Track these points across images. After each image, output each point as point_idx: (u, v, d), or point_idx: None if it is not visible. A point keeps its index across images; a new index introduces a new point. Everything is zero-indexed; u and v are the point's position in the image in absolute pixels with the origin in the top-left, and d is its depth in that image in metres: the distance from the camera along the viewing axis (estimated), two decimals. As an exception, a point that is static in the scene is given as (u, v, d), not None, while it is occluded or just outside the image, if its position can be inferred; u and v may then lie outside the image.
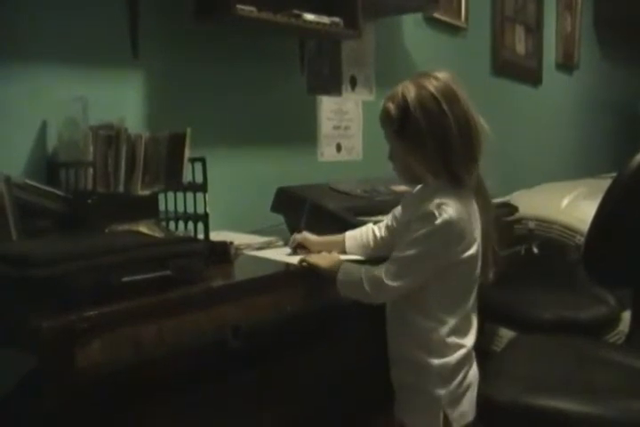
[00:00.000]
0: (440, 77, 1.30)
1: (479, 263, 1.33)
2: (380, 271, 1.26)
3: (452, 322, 1.29)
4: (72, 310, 1.00)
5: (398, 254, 1.26)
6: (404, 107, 1.26)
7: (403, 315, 1.32)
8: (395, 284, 1.25)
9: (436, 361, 1.28)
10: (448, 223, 1.22)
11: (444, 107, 1.26)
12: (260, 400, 1.48)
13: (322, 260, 1.39)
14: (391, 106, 1.28)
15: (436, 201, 1.23)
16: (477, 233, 1.30)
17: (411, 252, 1.24)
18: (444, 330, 1.28)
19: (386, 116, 1.30)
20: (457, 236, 1.24)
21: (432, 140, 1.25)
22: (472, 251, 1.28)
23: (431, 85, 1.27)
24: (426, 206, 1.24)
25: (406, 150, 1.29)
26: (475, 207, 1.31)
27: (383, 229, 1.51)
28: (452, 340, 1.29)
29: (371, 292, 1.27)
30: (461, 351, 1.31)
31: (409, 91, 1.27)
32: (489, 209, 1.36)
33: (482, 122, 1.34)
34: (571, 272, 2.40)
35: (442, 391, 1.28)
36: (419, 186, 1.39)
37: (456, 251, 1.26)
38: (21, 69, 1.47)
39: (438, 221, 1.21)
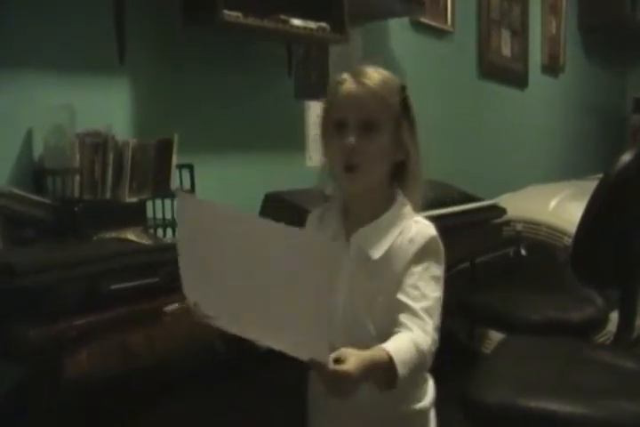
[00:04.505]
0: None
1: None
2: (423, 333, 0.98)
3: None
4: (60, 318, 1.00)
5: (427, 304, 1.00)
6: (401, 89, 1.08)
7: None
8: (437, 335, 1.01)
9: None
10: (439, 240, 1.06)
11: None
12: (247, 408, 1.48)
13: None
14: (385, 87, 1.06)
15: (415, 219, 1.07)
16: None
17: (436, 294, 1.02)
18: None
19: (381, 100, 1.05)
20: None
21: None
22: None
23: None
24: (421, 230, 1.05)
25: (396, 146, 1.07)
26: None
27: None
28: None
29: (429, 359, 1.00)
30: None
31: (389, 75, 1.09)
32: None
33: None
34: (559, 274, 2.41)
35: None
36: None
37: None
38: (6, 76, 1.46)
39: (440, 244, 1.05)
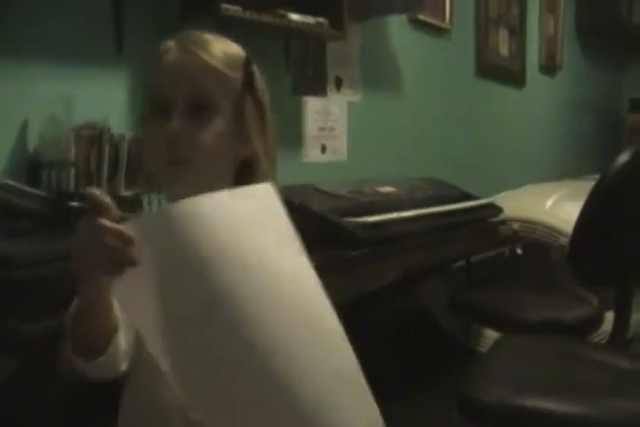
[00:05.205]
0: None
1: None
2: None
3: None
4: (55, 312, 0.98)
5: None
6: (245, 63, 0.88)
7: None
8: None
9: None
10: None
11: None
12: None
13: None
14: (223, 58, 0.85)
15: None
16: None
17: None
18: None
19: (216, 74, 0.84)
20: None
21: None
22: None
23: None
24: None
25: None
26: None
27: None
28: None
29: None
30: None
31: (229, 44, 0.90)
32: None
33: None
34: (554, 273, 2.41)
35: None
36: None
37: None
38: (3, 66, 1.45)
39: None
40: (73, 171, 1.38)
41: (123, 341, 0.75)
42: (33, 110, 1.45)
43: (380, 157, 2.61)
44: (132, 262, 0.61)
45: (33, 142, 1.47)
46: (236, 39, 2.19)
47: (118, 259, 0.61)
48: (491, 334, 2.36)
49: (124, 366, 0.78)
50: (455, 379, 1.50)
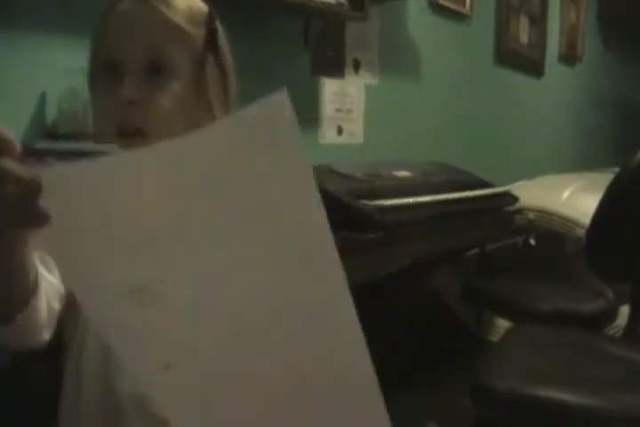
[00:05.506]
0: None
1: None
2: None
3: None
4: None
5: None
6: (208, 19, 0.78)
7: None
8: None
9: None
10: None
11: None
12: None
13: None
14: (184, 12, 0.75)
15: None
16: None
17: None
18: None
19: (176, 30, 0.74)
20: None
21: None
22: None
23: None
24: None
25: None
26: None
27: None
28: None
29: None
30: None
31: None
32: None
33: None
34: (568, 264, 2.39)
35: None
36: None
37: None
38: (21, 39, 1.42)
39: None
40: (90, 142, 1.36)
41: (43, 306, 0.63)
42: (51, 82, 1.42)
43: (396, 141, 2.58)
44: (39, 216, 0.46)
45: (51, 115, 1.45)
46: (256, 17, 2.16)
47: (22, 210, 0.47)
48: (502, 324, 2.34)
49: (44, 336, 0.66)
50: (465, 367, 1.49)
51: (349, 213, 1.54)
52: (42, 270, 0.64)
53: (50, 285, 0.65)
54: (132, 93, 0.69)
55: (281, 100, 0.42)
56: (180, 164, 0.44)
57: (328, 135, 2.30)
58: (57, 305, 0.67)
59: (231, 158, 0.44)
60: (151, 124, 0.71)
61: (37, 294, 0.61)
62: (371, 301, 1.39)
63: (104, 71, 0.73)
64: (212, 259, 0.46)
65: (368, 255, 1.61)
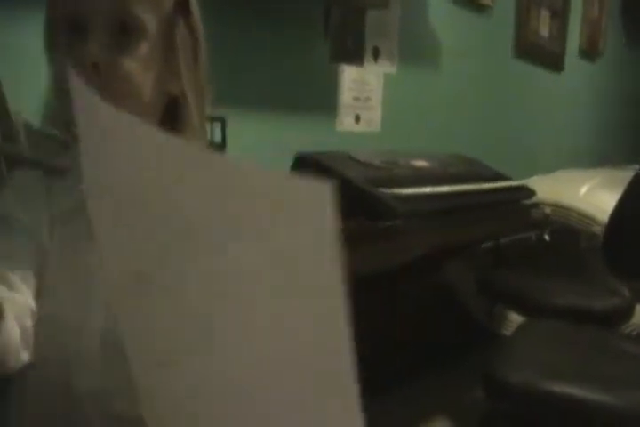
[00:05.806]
0: None
1: None
2: None
3: None
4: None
5: None
6: None
7: None
8: None
9: None
10: None
11: None
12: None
13: None
14: None
15: None
16: None
17: None
18: None
19: None
20: None
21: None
22: None
23: None
24: None
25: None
26: None
27: None
28: None
29: None
30: None
31: None
32: None
33: None
34: (582, 261, 2.36)
35: None
36: None
37: None
38: (39, 12, 1.41)
39: None
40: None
41: (13, 328, 0.59)
42: None
43: (413, 130, 2.56)
44: None
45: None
46: (277, 2, 2.13)
47: None
48: (515, 318, 2.32)
49: (21, 357, 0.62)
50: (477, 361, 1.47)
51: (366, 201, 1.52)
52: (1, 293, 0.59)
53: (14, 303, 0.60)
54: (95, 55, 0.63)
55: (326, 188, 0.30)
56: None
57: (346, 123, 2.28)
58: (29, 322, 0.63)
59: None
60: (118, 89, 0.64)
61: (5, 315, 0.56)
62: (384, 291, 1.37)
63: (64, 29, 0.66)
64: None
65: (383, 244, 1.59)
